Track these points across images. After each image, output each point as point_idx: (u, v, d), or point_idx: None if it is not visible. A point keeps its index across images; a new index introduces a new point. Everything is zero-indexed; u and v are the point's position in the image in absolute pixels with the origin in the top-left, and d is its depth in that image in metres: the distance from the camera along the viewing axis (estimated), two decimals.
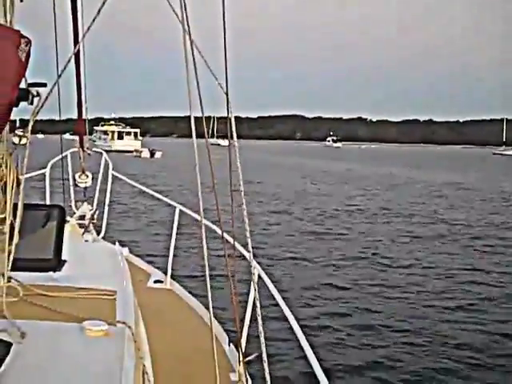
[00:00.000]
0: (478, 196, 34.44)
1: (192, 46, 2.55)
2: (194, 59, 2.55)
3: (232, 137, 2.91)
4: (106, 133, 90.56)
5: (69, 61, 2.72)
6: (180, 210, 6.30)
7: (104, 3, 2.51)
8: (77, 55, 5.41)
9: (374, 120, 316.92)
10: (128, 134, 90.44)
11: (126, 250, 5.86)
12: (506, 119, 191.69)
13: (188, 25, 2.52)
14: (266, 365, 3.19)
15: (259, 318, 3.26)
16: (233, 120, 2.90)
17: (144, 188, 8.19)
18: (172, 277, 6.16)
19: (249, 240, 3.17)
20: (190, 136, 2.53)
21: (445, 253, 16.66)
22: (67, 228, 5.56)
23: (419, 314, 10.78)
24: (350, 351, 8.92)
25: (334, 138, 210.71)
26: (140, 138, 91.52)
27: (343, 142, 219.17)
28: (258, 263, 4.21)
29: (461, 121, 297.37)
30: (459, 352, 8.95)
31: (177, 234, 6.29)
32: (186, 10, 2.51)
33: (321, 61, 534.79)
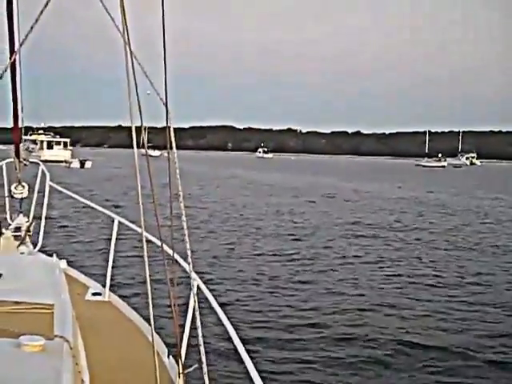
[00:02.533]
0: (401, 204, 36.36)
1: (132, 58, 2.53)
2: (133, 70, 2.53)
3: (171, 147, 2.88)
4: (34, 142, 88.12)
5: (5, 70, 2.71)
6: (119, 222, 6.09)
7: (42, 12, 2.51)
8: (13, 64, 5.25)
9: (304, 131, 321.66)
10: (58, 143, 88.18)
11: (63, 263, 5.63)
12: (429, 131, 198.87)
13: (128, 36, 2.50)
14: (206, 377, 3.16)
15: (199, 330, 3.24)
16: (172, 131, 2.88)
17: (82, 199, 7.82)
18: (111, 289, 6.01)
19: (188, 252, 3.16)
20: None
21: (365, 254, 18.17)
22: (2, 240, 5.49)
23: (348, 318, 11.36)
24: (291, 363, 8.98)
25: (265, 149, 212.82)
26: (70, 147, 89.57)
27: (274, 153, 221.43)
28: (197, 274, 4.18)
29: (387, 133, 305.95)
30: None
31: (116, 245, 6.10)
32: (126, 23, 2.49)
33: (252, 72, 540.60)
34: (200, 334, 3.24)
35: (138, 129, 2.69)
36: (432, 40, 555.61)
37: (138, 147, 2.74)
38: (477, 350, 9.75)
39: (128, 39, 2.48)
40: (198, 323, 3.29)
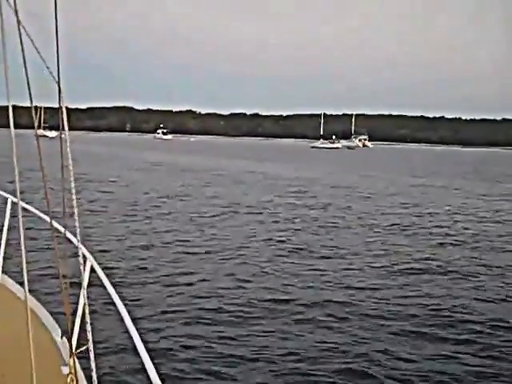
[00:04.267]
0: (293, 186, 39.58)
1: (20, 29, 2.39)
2: (22, 46, 2.40)
3: (64, 128, 2.73)
4: None
5: None
6: (12, 202, 5.84)
7: None
8: None
9: (204, 113, 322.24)
10: None
11: None
12: (324, 114, 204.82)
13: (16, 8, 2.34)
14: (92, 356, 3.14)
15: (86, 309, 3.19)
16: (64, 111, 2.72)
17: None
18: (4, 271, 5.87)
19: (77, 229, 3.04)
20: (10, 126, 2.34)
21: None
22: None
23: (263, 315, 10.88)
24: (183, 346, 9.04)
25: (164, 131, 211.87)
26: None
27: (174, 135, 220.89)
28: (92, 254, 4.28)
29: (284, 115, 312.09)
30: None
31: (9, 227, 5.70)
32: None
33: (151, 54, 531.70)
34: (88, 313, 3.18)
35: (32, 109, 2.60)
36: (325, 29, 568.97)
37: (34, 128, 2.75)
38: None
39: (17, 14, 2.35)
40: (88, 304, 3.27)
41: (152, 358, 2.84)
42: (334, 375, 8.24)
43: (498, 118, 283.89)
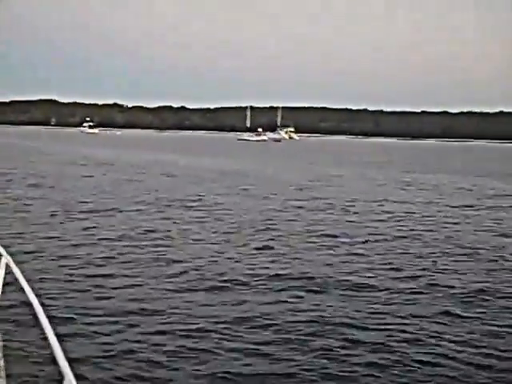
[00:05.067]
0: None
1: None
2: None
3: None
4: None
5: None
6: None
7: None
8: None
9: (130, 106, 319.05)
10: None
11: None
12: (251, 107, 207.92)
13: None
14: (0, 353, 3.06)
15: None
16: None
17: None
18: None
19: None
20: None
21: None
22: None
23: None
24: (100, 343, 8.78)
25: (91, 124, 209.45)
26: None
27: (100, 128, 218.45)
28: (9, 252, 4.23)
29: (211, 107, 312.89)
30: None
31: None
32: None
33: (75, 47, 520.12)
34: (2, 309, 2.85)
35: None
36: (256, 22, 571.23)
37: None
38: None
39: None
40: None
41: (66, 353, 2.82)
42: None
43: (418, 110, 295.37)
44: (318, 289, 12.04)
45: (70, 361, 2.83)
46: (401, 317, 10.43)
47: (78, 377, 2.77)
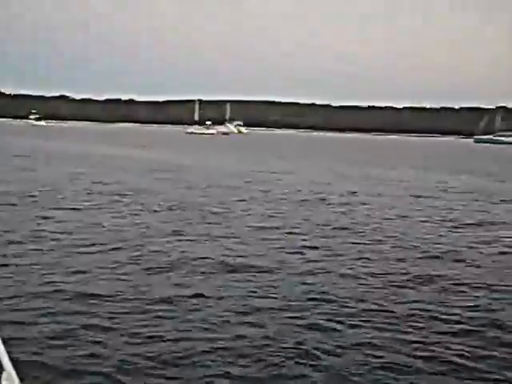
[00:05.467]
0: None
1: None
2: None
3: None
4: None
5: None
6: None
7: None
8: None
9: (78, 98, 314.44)
10: None
11: None
12: (200, 100, 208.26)
13: None
14: None
15: None
16: None
17: None
18: None
19: None
20: None
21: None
22: None
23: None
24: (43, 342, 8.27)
25: (37, 116, 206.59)
26: None
27: (47, 121, 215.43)
28: None
29: (160, 100, 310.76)
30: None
31: None
32: None
33: (22, 39, 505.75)
34: None
35: None
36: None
37: None
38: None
39: None
40: None
41: (4, 342, 2.75)
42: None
43: (365, 105, 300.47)
44: (237, 273, 12.49)
45: (9, 352, 2.80)
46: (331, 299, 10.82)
47: (17, 366, 2.76)
